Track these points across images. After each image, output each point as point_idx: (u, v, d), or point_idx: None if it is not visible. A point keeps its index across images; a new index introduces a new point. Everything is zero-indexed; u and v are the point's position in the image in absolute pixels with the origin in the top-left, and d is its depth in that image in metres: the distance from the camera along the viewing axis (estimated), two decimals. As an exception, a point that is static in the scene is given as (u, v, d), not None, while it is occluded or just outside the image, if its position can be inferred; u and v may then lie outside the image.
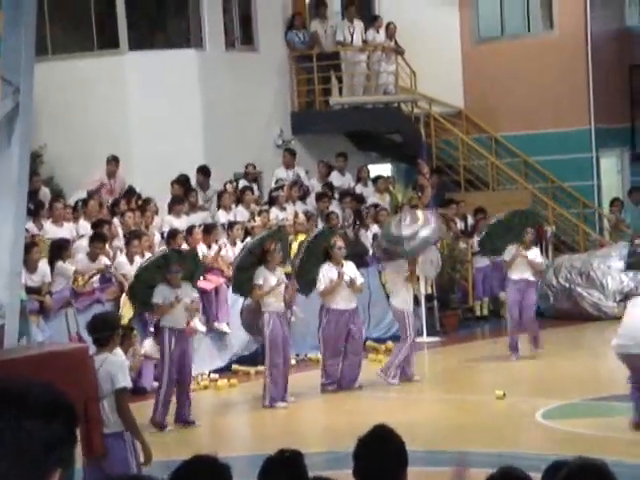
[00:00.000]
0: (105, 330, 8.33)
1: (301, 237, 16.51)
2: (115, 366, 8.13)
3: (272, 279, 13.22)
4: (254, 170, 18.69)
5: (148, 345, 14.19)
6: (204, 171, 17.92)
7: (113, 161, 17.42)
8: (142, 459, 8.16)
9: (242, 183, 18.39)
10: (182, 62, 18.96)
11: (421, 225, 14.29)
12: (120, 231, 15.72)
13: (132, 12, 18.85)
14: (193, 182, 17.92)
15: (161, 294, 12.38)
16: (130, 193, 17.08)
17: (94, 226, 15.28)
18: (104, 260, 14.62)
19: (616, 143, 22.32)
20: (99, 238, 14.69)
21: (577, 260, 18.70)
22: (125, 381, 8.14)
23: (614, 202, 20.67)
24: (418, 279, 15.47)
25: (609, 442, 10.60)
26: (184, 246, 15.50)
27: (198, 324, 14.82)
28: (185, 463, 4.27)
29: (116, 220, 16.00)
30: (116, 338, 8.45)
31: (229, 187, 17.82)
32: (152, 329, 14.27)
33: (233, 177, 18.60)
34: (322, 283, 13.79)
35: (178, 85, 18.78)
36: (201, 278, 14.22)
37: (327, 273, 13.86)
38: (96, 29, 19.18)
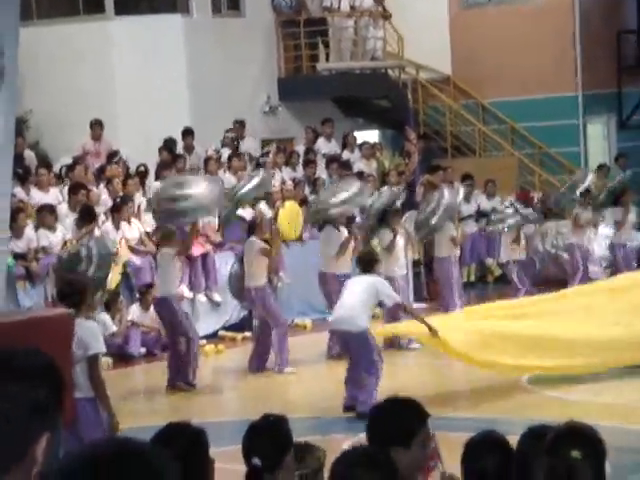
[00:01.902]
0: (74, 294, 8.29)
1: (288, 204, 16.49)
2: (88, 332, 8.10)
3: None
4: (232, 134, 18.58)
5: (135, 311, 14.19)
6: (189, 133, 17.88)
7: (96, 125, 17.36)
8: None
9: (225, 151, 18.33)
10: (168, 27, 18.84)
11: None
12: (106, 197, 15.65)
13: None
14: (179, 147, 17.89)
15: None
16: (113, 156, 17.01)
17: (71, 191, 15.10)
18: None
19: (603, 109, 22.32)
20: (88, 218, 14.32)
21: (564, 226, 18.72)
22: (97, 347, 8.13)
23: (601, 168, 20.68)
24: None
25: (594, 407, 10.66)
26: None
27: (185, 290, 14.84)
28: (160, 432, 4.29)
29: (102, 186, 15.94)
30: (88, 299, 8.37)
31: (212, 152, 17.76)
32: (138, 295, 14.27)
33: (220, 144, 18.54)
34: (334, 247, 13.82)
35: (164, 51, 18.67)
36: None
37: (337, 236, 13.91)
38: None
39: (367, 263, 11.17)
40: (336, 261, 13.87)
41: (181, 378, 12.50)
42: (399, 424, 4.20)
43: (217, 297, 15.31)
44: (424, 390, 10.98)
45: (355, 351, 10.87)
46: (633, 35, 22.36)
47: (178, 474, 2.24)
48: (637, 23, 22.22)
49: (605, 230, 17.56)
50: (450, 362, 13.38)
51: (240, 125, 18.84)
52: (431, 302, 17.22)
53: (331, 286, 13.62)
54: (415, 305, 16.70)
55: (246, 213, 16.05)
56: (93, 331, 8.21)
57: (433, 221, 14.87)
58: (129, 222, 14.95)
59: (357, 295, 10.82)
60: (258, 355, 13.26)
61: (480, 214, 18.97)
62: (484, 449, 4.36)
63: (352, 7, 20.89)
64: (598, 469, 3.81)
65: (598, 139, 22.65)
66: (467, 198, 18.68)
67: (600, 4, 22.09)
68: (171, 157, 17.26)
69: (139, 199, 15.79)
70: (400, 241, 14.65)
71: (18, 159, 13.85)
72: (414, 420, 4.22)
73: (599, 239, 17.79)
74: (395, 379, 12.48)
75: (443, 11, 22.29)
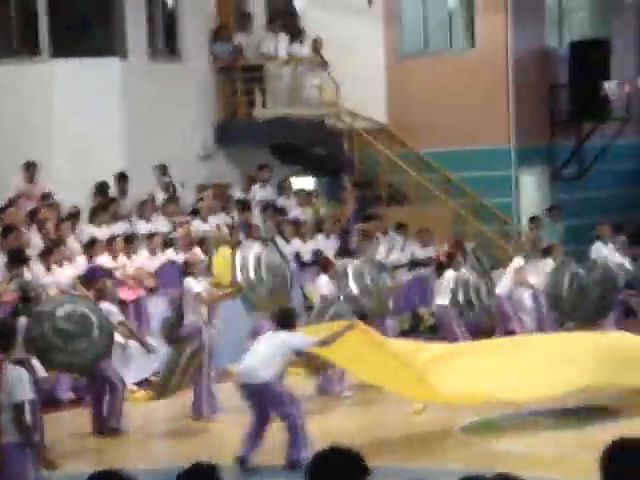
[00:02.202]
0: (3, 338, 8.25)
1: (222, 249, 16.44)
2: (14, 378, 8.05)
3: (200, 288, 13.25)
4: (167, 179, 18.47)
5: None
6: (123, 177, 17.79)
7: (30, 167, 17.24)
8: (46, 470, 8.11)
9: (161, 194, 18.25)
10: (105, 71, 18.76)
11: None
12: (37, 240, 15.47)
13: (54, 19, 18.63)
14: (113, 190, 17.77)
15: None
16: (46, 198, 16.87)
17: (2, 233, 14.92)
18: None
19: (536, 161, 22.60)
20: (18, 261, 14.15)
21: (496, 276, 18.84)
22: (24, 395, 8.04)
23: (533, 220, 20.91)
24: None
25: (527, 458, 10.66)
26: (105, 256, 15.36)
27: (117, 335, 14.66)
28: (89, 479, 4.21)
29: (34, 229, 15.77)
30: (14, 344, 8.35)
31: (147, 196, 17.68)
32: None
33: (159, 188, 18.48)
34: None
35: (101, 94, 18.58)
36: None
37: None
38: (17, 35, 18.95)
39: (285, 319, 11.00)
40: None
41: (106, 424, 12.40)
42: (340, 474, 4.16)
43: (150, 341, 15.16)
44: (357, 438, 10.93)
45: (264, 405, 10.64)
46: (565, 89, 22.73)
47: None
48: (568, 78, 22.60)
49: (535, 281, 17.67)
50: (383, 409, 13.38)
51: (160, 169, 18.59)
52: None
53: None
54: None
55: (178, 257, 15.97)
56: (20, 377, 8.12)
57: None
58: (61, 266, 14.77)
59: (264, 349, 10.69)
60: (197, 402, 13.18)
61: (413, 263, 19.04)
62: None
63: (289, 55, 20.99)
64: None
65: (531, 191, 22.91)
66: (401, 247, 18.78)
67: (533, 58, 22.45)
68: (105, 201, 17.15)
69: (72, 243, 15.64)
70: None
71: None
72: (356, 472, 4.18)
73: (527, 290, 17.93)
74: (327, 426, 12.42)
75: (379, 61, 22.48)
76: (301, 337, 10.98)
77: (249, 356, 10.85)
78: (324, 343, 10.96)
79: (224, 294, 13.57)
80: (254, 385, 10.58)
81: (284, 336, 10.79)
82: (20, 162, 17.24)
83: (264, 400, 10.62)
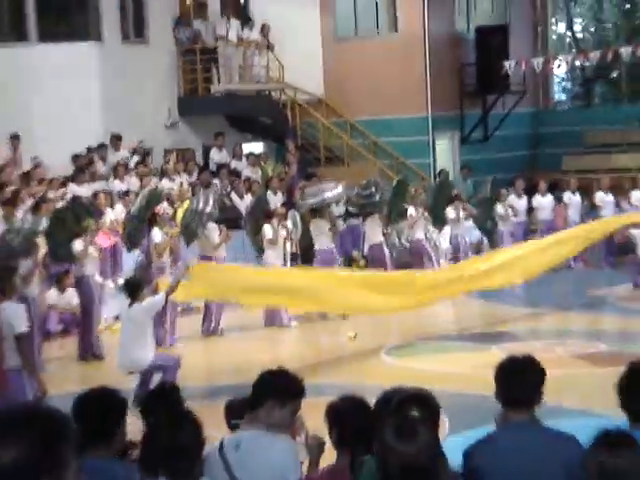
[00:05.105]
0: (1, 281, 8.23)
1: (186, 203, 16.37)
2: (13, 313, 8.00)
3: (163, 237, 13.19)
4: (141, 145, 18.36)
5: (52, 295, 13.90)
6: (103, 147, 17.59)
7: (14, 138, 17.05)
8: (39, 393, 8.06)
9: (135, 158, 18.12)
10: (83, 52, 18.55)
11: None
12: (27, 198, 15.32)
13: (40, 8, 18.35)
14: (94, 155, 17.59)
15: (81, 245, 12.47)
16: (36, 166, 16.69)
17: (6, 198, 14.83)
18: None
19: (448, 128, 22.73)
20: (9, 202, 14.21)
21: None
22: (23, 326, 8.00)
23: (440, 173, 21.08)
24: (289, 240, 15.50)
25: (438, 375, 10.82)
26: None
27: (96, 275, 14.62)
28: (82, 396, 4.18)
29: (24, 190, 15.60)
30: (12, 285, 8.30)
31: (122, 159, 17.54)
32: (55, 280, 14.02)
33: (129, 152, 18.30)
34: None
35: (80, 73, 18.37)
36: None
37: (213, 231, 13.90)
38: (7, 22, 18.66)
39: (133, 289, 9.89)
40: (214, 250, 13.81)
41: (92, 351, 12.39)
42: (283, 384, 4.21)
43: (122, 282, 15.13)
44: (298, 361, 11.02)
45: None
46: (472, 67, 22.83)
47: (76, 435, 2.23)
48: (475, 58, 22.71)
49: (447, 228, 17.86)
50: (321, 338, 13.47)
51: (116, 138, 18.36)
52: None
53: None
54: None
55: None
56: (17, 312, 8.09)
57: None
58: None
59: (130, 332, 9.75)
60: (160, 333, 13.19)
61: (348, 214, 19.09)
62: (345, 409, 4.40)
63: (240, 38, 20.84)
64: (433, 425, 3.91)
65: (445, 153, 23.05)
66: (337, 201, 18.81)
67: (445, 41, 22.50)
68: (86, 163, 16.97)
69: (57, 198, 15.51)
70: (283, 234, 14.70)
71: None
72: (296, 387, 4.25)
73: (444, 235, 18.10)
74: (273, 352, 12.51)
75: (317, 43, 22.45)
76: (153, 298, 9.90)
77: (122, 348, 9.84)
78: (171, 290, 10.08)
79: (170, 238, 13.47)
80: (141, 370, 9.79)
81: (140, 306, 9.72)
82: (4, 134, 17.01)
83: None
